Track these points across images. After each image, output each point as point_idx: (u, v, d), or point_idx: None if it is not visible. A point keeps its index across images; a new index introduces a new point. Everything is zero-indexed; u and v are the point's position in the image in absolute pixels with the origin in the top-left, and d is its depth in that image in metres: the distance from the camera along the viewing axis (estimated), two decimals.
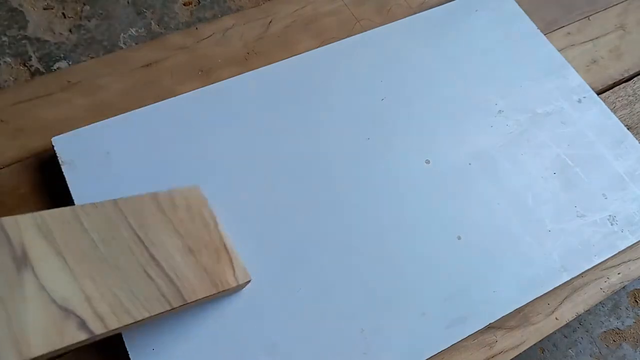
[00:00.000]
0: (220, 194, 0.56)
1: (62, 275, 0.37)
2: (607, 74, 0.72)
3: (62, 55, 1.21)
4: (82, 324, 0.36)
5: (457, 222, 0.58)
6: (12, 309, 0.34)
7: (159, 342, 0.49)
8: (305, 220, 0.56)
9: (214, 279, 0.46)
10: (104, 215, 0.42)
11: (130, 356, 0.48)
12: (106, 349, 0.50)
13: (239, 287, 0.50)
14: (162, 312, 0.41)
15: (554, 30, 0.74)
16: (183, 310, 0.44)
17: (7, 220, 0.37)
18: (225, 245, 0.49)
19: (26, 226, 0.38)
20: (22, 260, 0.36)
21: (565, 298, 0.57)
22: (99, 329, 0.37)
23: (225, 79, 0.64)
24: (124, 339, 0.48)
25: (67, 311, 0.36)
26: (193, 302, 0.43)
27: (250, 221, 0.56)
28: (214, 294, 0.46)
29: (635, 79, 0.73)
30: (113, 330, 0.38)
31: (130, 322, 0.39)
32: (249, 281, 0.50)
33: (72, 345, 0.35)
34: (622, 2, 0.78)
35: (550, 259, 0.57)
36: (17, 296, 0.35)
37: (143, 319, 0.40)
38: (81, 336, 0.36)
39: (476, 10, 0.73)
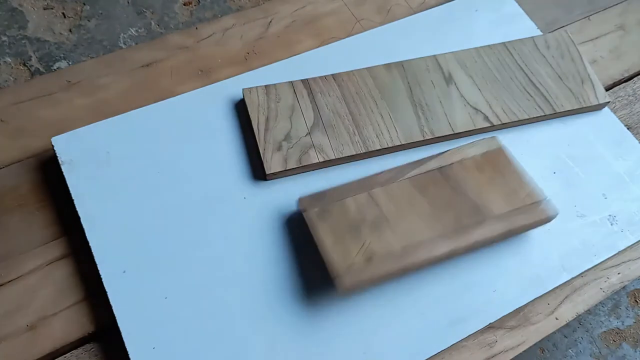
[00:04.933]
0: (220, 191, 0.56)
1: (472, 89, 0.64)
2: (607, 74, 0.72)
3: (62, 55, 1.21)
4: (486, 118, 0.62)
5: None
6: (446, 106, 0.62)
7: (159, 341, 0.49)
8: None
9: (578, 97, 0.64)
10: (497, 54, 0.67)
11: (129, 355, 0.48)
12: (107, 348, 0.50)
13: (599, 107, 0.66)
14: (536, 117, 0.63)
15: (554, 30, 0.74)
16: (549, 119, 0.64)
17: (439, 56, 0.65)
18: (589, 75, 0.66)
19: (450, 60, 0.65)
20: (449, 79, 0.64)
21: (565, 298, 0.57)
22: (495, 121, 0.62)
23: (225, 79, 0.64)
24: (124, 339, 0.49)
25: (476, 110, 0.62)
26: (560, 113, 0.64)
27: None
28: (576, 109, 0.64)
29: (635, 79, 0.73)
30: (502, 124, 0.62)
31: (514, 120, 0.62)
32: (608, 102, 0.65)
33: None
34: (622, 2, 0.78)
35: (550, 259, 0.57)
36: (447, 100, 0.63)
37: (520, 120, 0.62)
38: (485, 124, 0.61)
39: (476, 10, 0.73)
